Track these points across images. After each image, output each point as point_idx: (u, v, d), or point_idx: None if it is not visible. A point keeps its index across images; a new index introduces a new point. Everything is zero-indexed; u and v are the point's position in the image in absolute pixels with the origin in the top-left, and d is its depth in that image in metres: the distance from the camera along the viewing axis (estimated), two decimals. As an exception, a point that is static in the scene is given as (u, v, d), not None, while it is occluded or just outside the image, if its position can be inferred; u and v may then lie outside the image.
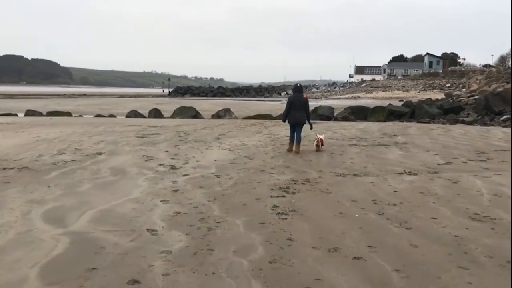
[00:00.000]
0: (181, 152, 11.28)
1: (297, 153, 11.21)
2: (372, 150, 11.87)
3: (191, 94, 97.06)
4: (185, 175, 8.51)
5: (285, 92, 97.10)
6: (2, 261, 4.33)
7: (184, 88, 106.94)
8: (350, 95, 79.14)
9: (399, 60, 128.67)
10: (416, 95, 64.64)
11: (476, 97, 30.46)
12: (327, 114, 25.41)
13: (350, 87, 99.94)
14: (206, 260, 4.37)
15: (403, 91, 76.73)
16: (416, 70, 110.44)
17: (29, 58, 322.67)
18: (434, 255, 4.55)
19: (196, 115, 27.09)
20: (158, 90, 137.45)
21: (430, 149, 12.05)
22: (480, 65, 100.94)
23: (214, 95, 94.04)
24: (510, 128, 17.87)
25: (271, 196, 6.87)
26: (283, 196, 6.88)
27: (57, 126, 18.73)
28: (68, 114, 28.44)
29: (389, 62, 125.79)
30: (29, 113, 28.22)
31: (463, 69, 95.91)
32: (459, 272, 4.15)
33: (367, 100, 58.87)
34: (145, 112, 28.51)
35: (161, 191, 7.20)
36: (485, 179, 8.19)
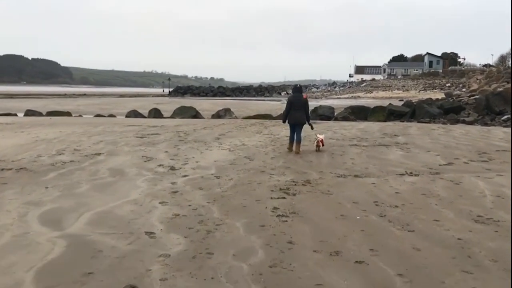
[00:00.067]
0: (181, 153, 11.20)
1: (298, 154, 11.13)
2: (373, 151, 11.79)
3: (191, 94, 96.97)
4: (185, 176, 8.43)
5: (285, 92, 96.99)
6: (-3, 265, 4.25)
7: (184, 88, 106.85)
8: (350, 95, 79.05)
9: (399, 59, 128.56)
10: (416, 94, 64.58)
11: (477, 96, 30.37)
12: (327, 114, 25.32)
13: (350, 87, 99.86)
14: (205, 264, 4.29)
15: (403, 91, 76.66)
16: (416, 70, 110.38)
17: (30, 58, 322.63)
18: (438, 258, 4.47)
19: (196, 115, 27.01)
20: (158, 90, 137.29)
21: (431, 150, 11.96)
22: (480, 64, 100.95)
23: (214, 95, 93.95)
24: (510, 128, 17.78)
25: (271, 198, 6.79)
26: (284, 198, 6.79)
27: (57, 126, 18.65)
28: (68, 114, 28.37)
29: (389, 62, 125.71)
30: (29, 113, 28.14)
31: (463, 68, 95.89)
32: (463, 277, 4.07)
33: (367, 100, 58.78)
34: (145, 112, 28.43)
35: (160, 192, 7.12)
36: (487, 180, 8.10)
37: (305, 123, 11.66)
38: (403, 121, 23.33)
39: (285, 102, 12.52)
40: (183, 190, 7.29)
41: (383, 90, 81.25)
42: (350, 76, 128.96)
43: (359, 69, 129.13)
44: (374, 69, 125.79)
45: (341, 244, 4.85)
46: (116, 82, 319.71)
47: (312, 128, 12.17)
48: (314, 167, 9.50)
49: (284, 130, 16.05)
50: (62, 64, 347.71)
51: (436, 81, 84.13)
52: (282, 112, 15.53)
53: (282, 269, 4.19)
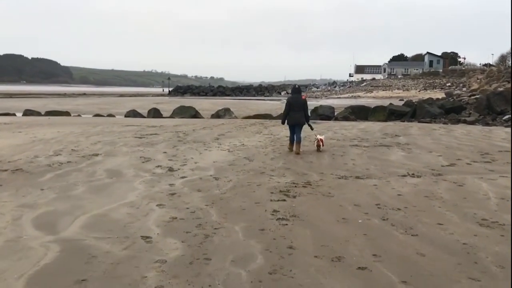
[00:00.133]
0: (180, 153, 11.06)
1: (298, 154, 11.00)
2: (374, 151, 11.65)
3: (191, 93, 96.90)
4: (183, 177, 8.29)
5: (285, 92, 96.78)
6: (-12, 272, 4.11)
7: (184, 88, 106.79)
8: (350, 95, 78.92)
9: (399, 59, 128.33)
10: (416, 94, 64.48)
11: (477, 96, 30.24)
12: (327, 114, 25.19)
13: (350, 87, 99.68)
14: (203, 270, 4.14)
15: (403, 91, 76.56)
16: (416, 69, 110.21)
17: (29, 57, 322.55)
18: (443, 264, 4.33)
19: (195, 114, 26.86)
20: (158, 90, 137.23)
21: (433, 150, 11.82)
22: (480, 64, 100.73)
23: (214, 95, 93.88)
24: (511, 129, 17.62)
25: (271, 200, 6.64)
26: (284, 200, 6.65)
27: (55, 126, 18.51)
28: (67, 113, 28.23)
29: (389, 61, 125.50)
30: (28, 112, 27.98)
31: (464, 68, 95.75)
32: (470, 284, 3.93)
33: (368, 100, 58.67)
34: (144, 111, 28.29)
35: (158, 194, 6.98)
36: (491, 182, 7.96)
37: (304, 124, 11.53)
38: (403, 121, 23.19)
39: (285, 101, 12.39)
40: (181, 192, 7.15)
41: (383, 90, 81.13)
42: (350, 75, 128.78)
43: (359, 69, 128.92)
44: (374, 69, 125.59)
45: (343, 249, 4.70)
46: (116, 81, 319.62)
47: (311, 128, 12.04)
48: (315, 168, 9.36)
49: (284, 130, 15.90)
50: (62, 64, 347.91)
51: (436, 80, 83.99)
52: (282, 111, 15.40)
53: (282, 276, 4.04)
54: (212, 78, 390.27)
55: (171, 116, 26.73)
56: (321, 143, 11.65)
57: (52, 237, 5.02)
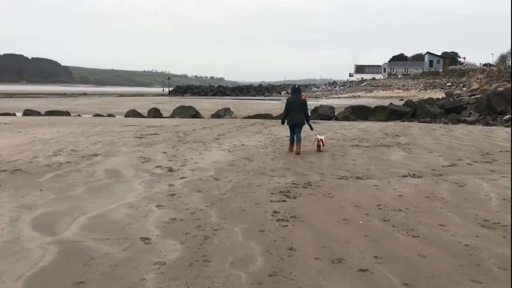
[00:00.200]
0: (179, 154, 11.01)
1: (298, 154, 10.96)
2: (374, 151, 11.60)
3: (191, 93, 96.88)
4: (183, 177, 8.25)
5: (285, 91, 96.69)
6: (-15, 274, 4.07)
7: (184, 87, 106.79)
8: (351, 94, 78.88)
9: (399, 59, 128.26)
10: (416, 94, 64.42)
11: (478, 96, 30.18)
12: (327, 114, 25.14)
13: (350, 86, 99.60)
14: (202, 272, 4.10)
15: (403, 90, 76.50)
16: (417, 69, 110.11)
17: (29, 57, 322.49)
18: (444, 266, 4.29)
19: (195, 114, 26.81)
20: (158, 89, 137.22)
21: (433, 150, 11.78)
22: (480, 64, 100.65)
23: (214, 94, 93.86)
24: (510, 129, 17.56)
25: (271, 201, 6.60)
26: (284, 201, 6.61)
27: (55, 126, 18.47)
28: (67, 113, 28.18)
29: (389, 61, 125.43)
30: (27, 112, 27.92)
31: (464, 68, 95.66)
32: (472, 286, 3.89)
33: (368, 99, 58.63)
34: (144, 111, 28.24)
35: (157, 195, 6.94)
36: (492, 182, 7.92)
37: (304, 124, 11.50)
38: (404, 121, 23.13)
39: (285, 101, 12.36)
40: (180, 192, 7.11)
41: (383, 90, 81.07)
42: (350, 75, 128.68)
43: (359, 69, 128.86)
44: (374, 69, 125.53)
45: (343, 250, 4.66)
46: (116, 81, 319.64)
47: (311, 128, 12.00)
48: (315, 168, 9.31)
49: (284, 130, 15.86)
50: (62, 64, 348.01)
51: (436, 80, 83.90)
52: (282, 111, 15.35)
53: (283, 278, 4.00)
54: (212, 78, 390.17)
55: (171, 116, 26.69)
56: (321, 143, 11.62)
57: (50, 239, 4.98)
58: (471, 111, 24.90)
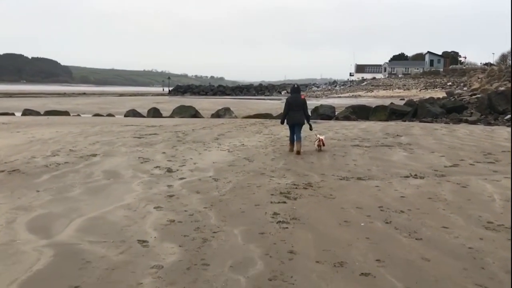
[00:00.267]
0: (179, 154, 10.92)
1: (298, 154, 10.86)
2: (375, 151, 11.50)
3: (191, 92, 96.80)
4: (182, 178, 8.15)
5: (285, 91, 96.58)
6: (-22, 278, 3.97)
7: (184, 87, 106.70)
8: (351, 94, 78.73)
9: (399, 58, 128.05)
10: (417, 93, 64.26)
11: (479, 95, 30.09)
12: (328, 114, 25.04)
13: (350, 86, 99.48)
14: (200, 276, 4.00)
15: (404, 90, 76.34)
16: (417, 69, 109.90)
17: (29, 57, 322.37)
18: (448, 269, 4.19)
19: (195, 114, 26.72)
20: (158, 89, 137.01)
21: (435, 150, 11.67)
22: (481, 63, 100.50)
23: (214, 94, 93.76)
24: (510, 129, 17.46)
25: (271, 202, 6.50)
26: (284, 202, 6.51)
27: (54, 126, 18.37)
28: (66, 113, 28.07)
29: (389, 61, 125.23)
30: (26, 112, 27.82)
31: (464, 67, 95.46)
32: (477, 291, 3.79)
33: (368, 99, 58.49)
34: (144, 111, 28.15)
35: (156, 196, 6.84)
36: (495, 183, 7.82)
37: (304, 123, 11.40)
38: (405, 121, 23.03)
39: (285, 101, 12.27)
40: (179, 193, 7.01)
41: (384, 89, 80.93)
42: (351, 75, 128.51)
43: (360, 68, 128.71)
44: (375, 68, 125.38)
45: (345, 254, 4.56)
46: (116, 81, 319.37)
47: (311, 128, 11.91)
48: (316, 169, 9.21)
49: (284, 130, 15.75)
50: (62, 63, 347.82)
51: (437, 80, 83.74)
52: (282, 111, 15.26)
53: (283, 282, 3.91)
54: (212, 77, 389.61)
55: (171, 116, 26.59)
56: (321, 143, 11.52)
57: (46, 241, 4.88)
58: (472, 111, 24.81)
